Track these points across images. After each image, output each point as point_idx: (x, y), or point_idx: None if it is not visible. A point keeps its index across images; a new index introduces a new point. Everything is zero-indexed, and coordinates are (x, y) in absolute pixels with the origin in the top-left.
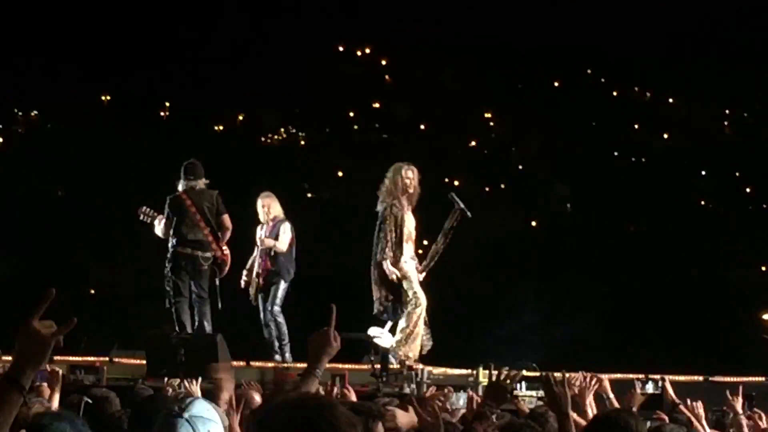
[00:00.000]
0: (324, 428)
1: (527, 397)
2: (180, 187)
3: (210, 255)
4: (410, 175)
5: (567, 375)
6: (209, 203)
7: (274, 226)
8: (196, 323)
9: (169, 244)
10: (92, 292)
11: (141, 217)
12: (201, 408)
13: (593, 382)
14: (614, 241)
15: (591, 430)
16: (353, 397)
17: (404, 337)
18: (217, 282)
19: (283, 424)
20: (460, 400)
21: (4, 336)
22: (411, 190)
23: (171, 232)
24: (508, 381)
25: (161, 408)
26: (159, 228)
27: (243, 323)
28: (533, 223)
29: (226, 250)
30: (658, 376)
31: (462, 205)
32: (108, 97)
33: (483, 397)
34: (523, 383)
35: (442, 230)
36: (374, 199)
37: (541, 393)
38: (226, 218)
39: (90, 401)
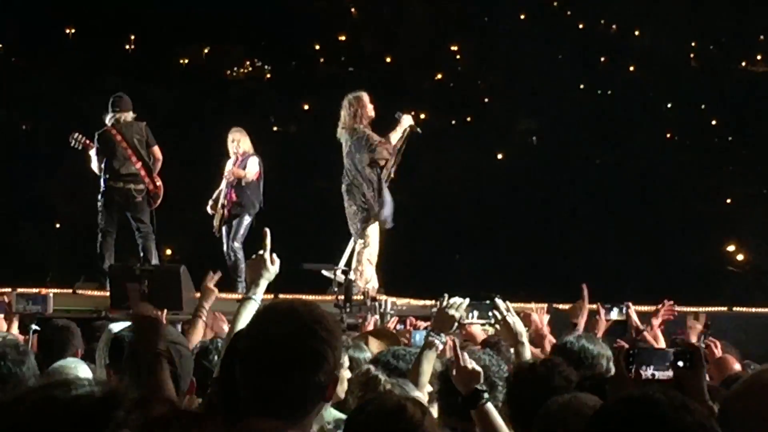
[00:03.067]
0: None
1: (478, 324)
2: (107, 121)
3: (143, 187)
4: (368, 100)
5: (505, 302)
6: (139, 135)
7: (242, 160)
8: (141, 257)
9: (101, 180)
10: (58, 226)
11: (72, 143)
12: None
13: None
14: (580, 174)
15: (551, 356)
16: None
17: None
18: (152, 213)
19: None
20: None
21: None
22: (372, 115)
23: (102, 166)
24: (455, 309)
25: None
26: (94, 163)
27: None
28: (499, 156)
29: (159, 182)
30: (622, 304)
31: (411, 122)
32: (72, 30)
33: (430, 326)
34: (475, 312)
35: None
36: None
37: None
38: (157, 150)
39: (38, 329)
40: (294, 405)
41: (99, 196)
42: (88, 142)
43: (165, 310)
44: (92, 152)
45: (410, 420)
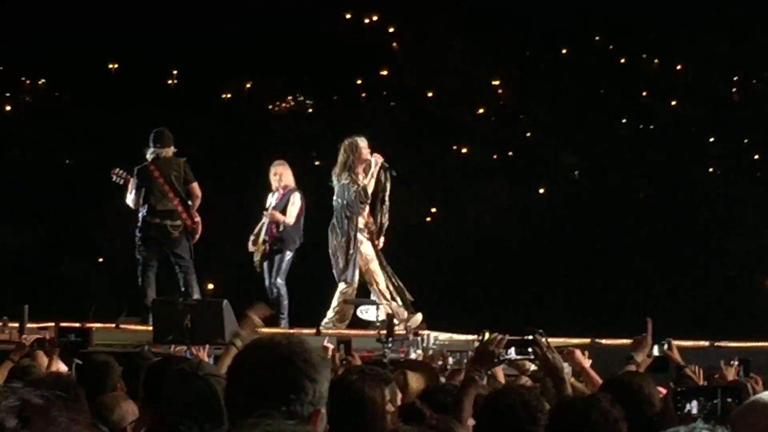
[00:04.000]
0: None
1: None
2: (148, 156)
3: (180, 223)
4: (365, 144)
5: (545, 339)
6: (176, 172)
7: (284, 194)
8: (183, 291)
9: (139, 215)
10: (100, 260)
11: (114, 179)
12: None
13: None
14: (622, 208)
15: (602, 393)
16: (358, 362)
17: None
18: (191, 248)
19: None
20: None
21: (18, 303)
22: (368, 159)
23: (141, 201)
24: (495, 345)
25: (172, 369)
26: (130, 197)
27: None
28: (540, 191)
29: (197, 218)
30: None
31: (386, 165)
32: (115, 65)
33: (470, 361)
34: (512, 348)
35: (381, 200)
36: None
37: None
38: (195, 186)
39: (80, 363)
40: None
41: (137, 231)
42: (130, 177)
43: (206, 347)
44: (130, 186)
45: None
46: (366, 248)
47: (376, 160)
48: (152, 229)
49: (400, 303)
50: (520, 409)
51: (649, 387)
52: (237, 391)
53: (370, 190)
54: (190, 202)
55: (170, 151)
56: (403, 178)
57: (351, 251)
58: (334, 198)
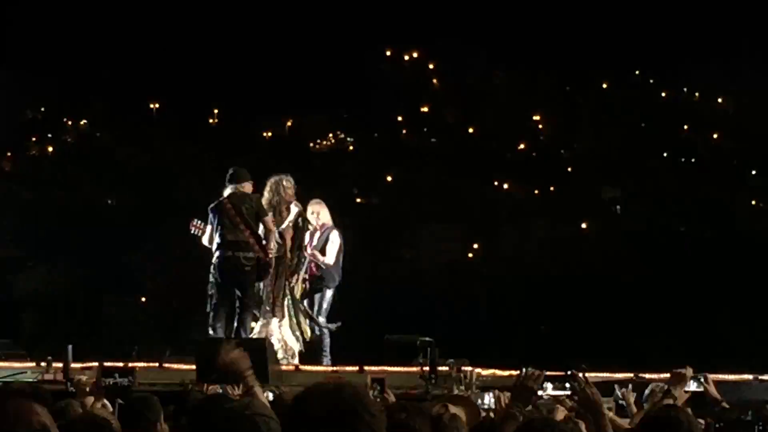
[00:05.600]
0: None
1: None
2: (225, 193)
3: (252, 255)
4: (290, 185)
5: (584, 374)
6: (248, 205)
7: (322, 233)
8: (235, 328)
9: (213, 249)
10: (143, 300)
11: (192, 231)
12: (262, 407)
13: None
14: (664, 243)
15: (644, 427)
16: (392, 400)
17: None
18: (261, 285)
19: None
20: (485, 398)
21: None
22: (292, 200)
23: (214, 236)
24: (532, 381)
25: (219, 408)
26: (205, 237)
27: None
28: (583, 226)
29: (271, 254)
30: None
31: (304, 216)
32: (156, 105)
33: (509, 398)
34: (549, 383)
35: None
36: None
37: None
38: (268, 220)
39: (123, 403)
40: None
41: (212, 269)
42: (206, 226)
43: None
44: (208, 230)
45: None
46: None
47: (297, 207)
48: (226, 263)
49: (297, 337)
50: None
51: (690, 422)
52: None
53: (287, 235)
54: (263, 237)
55: (248, 186)
56: (444, 214)
57: (267, 288)
58: None
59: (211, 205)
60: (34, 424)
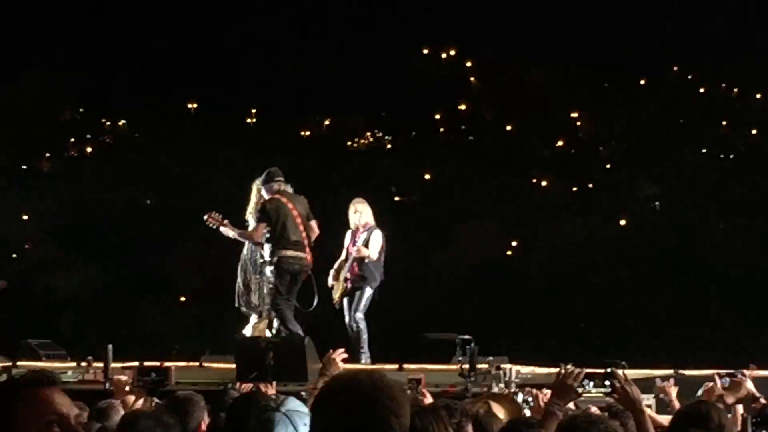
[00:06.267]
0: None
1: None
2: (270, 191)
3: (305, 256)
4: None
5: (624, 371)
6: (303, 207)
7: (364, 231)
8: (275, 326)
9: (268, 247)
10: (183, 299)
11: (209, 222)
12: (296, 403)
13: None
14: (703, 238)
15: (679, 421)
16: (429, 401)
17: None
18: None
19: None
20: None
21: (102, 343)
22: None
23: (271, 235)
24: (572, 379)
25: (256, 405)
26: (236, 233)
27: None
28: (622, 223)
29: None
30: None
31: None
32: (194, 105)
33: (550, 396)
34: (591, 381)
35: None
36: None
37: (608, 390)
38: (315, 223)
39: (158, 401)
40: None
41: (269, 267)
42: (225, 220)
43: (273, 383)
44: (226, 227)
45: None
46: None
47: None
48: (286, 261)
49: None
50: None
51: (720, 417)
52: (323, 429)
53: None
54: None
55: (289, 186)
56: (483, 212)
57: (260, 285)
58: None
59: (266, 201)
60: (50, 413)
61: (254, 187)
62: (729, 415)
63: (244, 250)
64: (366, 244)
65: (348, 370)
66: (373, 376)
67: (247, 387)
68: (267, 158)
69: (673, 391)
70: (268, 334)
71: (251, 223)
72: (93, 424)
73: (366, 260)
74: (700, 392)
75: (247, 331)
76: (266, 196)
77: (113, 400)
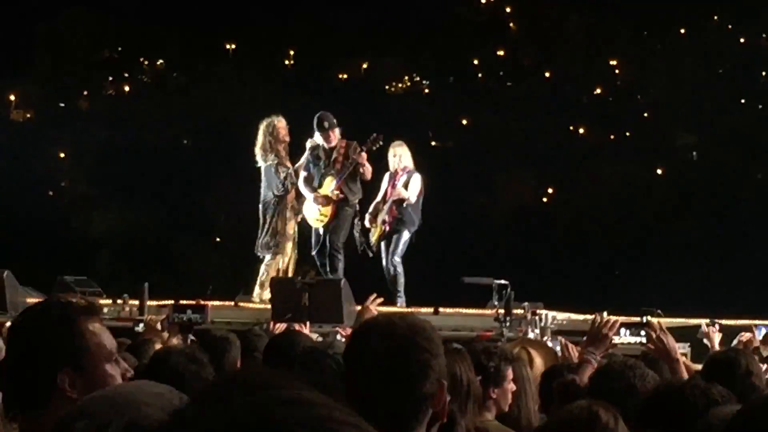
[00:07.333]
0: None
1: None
2: (335, 140)
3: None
4: (283, 124)
5: (659, 320)
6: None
7: (403, 175)
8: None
9: (355, 196)
10: (218, 240)
11: (372, 145)
12: (343, 346)
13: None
14: (741, 189)
15: (706, 368)
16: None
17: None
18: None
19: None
20: (557, 346)
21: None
22: (288, 139)
23: (352, 182)
24: (608, 329)
25: (298, 345)
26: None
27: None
28: (658, 171)
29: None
30: None
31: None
32: (233, 46)
33: (584, 344)
34: (626, 330)
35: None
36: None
37: (643, 340)
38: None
39: (194, 339)
40: (404, 417)
41: (357, 217)
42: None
43: (306, 324)
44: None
45: (605, 427)
46: (292, 226)
47: (310, 143)
48: (353, 209)
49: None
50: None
51: (751, 363)
52: (359, 375)
53: (302, 173)
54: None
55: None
56: (519, 159)
57: (272, 225)
58: (263, 178)
59: (355, 153)
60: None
61: (260, 128)
62: (764, 366)
63: (261, 192)
64: (405, 187)
65: (380, 314)
66: (406, 318)
67: (280, 327)
68: (303, 100)
69: (717, 338)
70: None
71: (261, 161)
72: (130, 358)
73: (405, 204)
74: (735, 342)
75: (262, 271)
76: (336, 143)
77: (151, 336)
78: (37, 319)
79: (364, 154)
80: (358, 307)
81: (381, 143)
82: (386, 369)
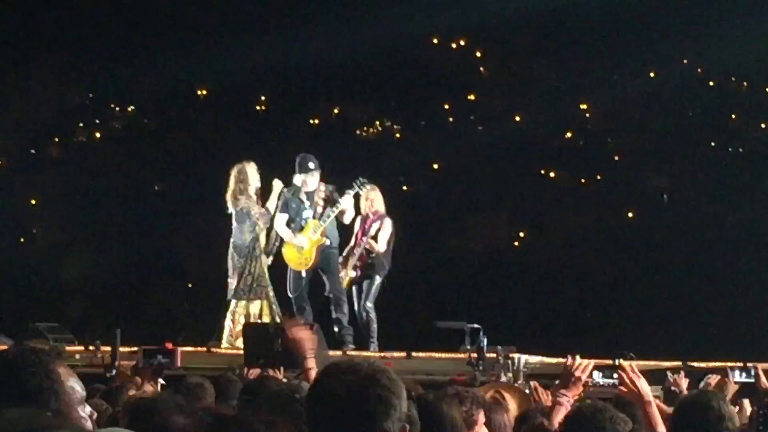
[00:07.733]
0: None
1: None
2: (315, 183)
3: None
4: (254, 169)
5: (632, 363)
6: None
7: (374, 219)
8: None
9: (336, 241)
10: (190, 286)
11: (359, 189)
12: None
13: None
14: (712, 232)
15: (678, 411)
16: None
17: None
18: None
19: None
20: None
21: (109, 328)
22: (259, 184)
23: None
24: (581, 371)
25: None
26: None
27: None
28: (630, 215)
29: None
30: (750, 364)
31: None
32: (204, 92)
33: (556, 387)
34: (599, 372)
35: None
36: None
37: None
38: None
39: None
40: None
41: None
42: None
43: (281, 369)
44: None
45: None
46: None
47: (279, 183)
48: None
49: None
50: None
51: (721, 406)
52: (322, 414)
53: (280, 215)
54: None
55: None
56: (491, 203)
57: (248, 269)
58: (234, 224)
59: (340, 197)
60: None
61: (232, 172)
62: (736, 408)
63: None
64: (377, 233)
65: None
66: (368, 360)
67: (254, 373)
68: (276, 145)
69: (684, 383)
70: (265, 318)
71: (232, 207)
72: (101, 405)
73: (376, 252)
74: (702, 384)
75: (231, 316)
76: (317, 186)
77: (128, 382)
78: (8, 362)
79: (351, 198)
80: (330, 352)
81: (368, 187)
82: (348, 405)
